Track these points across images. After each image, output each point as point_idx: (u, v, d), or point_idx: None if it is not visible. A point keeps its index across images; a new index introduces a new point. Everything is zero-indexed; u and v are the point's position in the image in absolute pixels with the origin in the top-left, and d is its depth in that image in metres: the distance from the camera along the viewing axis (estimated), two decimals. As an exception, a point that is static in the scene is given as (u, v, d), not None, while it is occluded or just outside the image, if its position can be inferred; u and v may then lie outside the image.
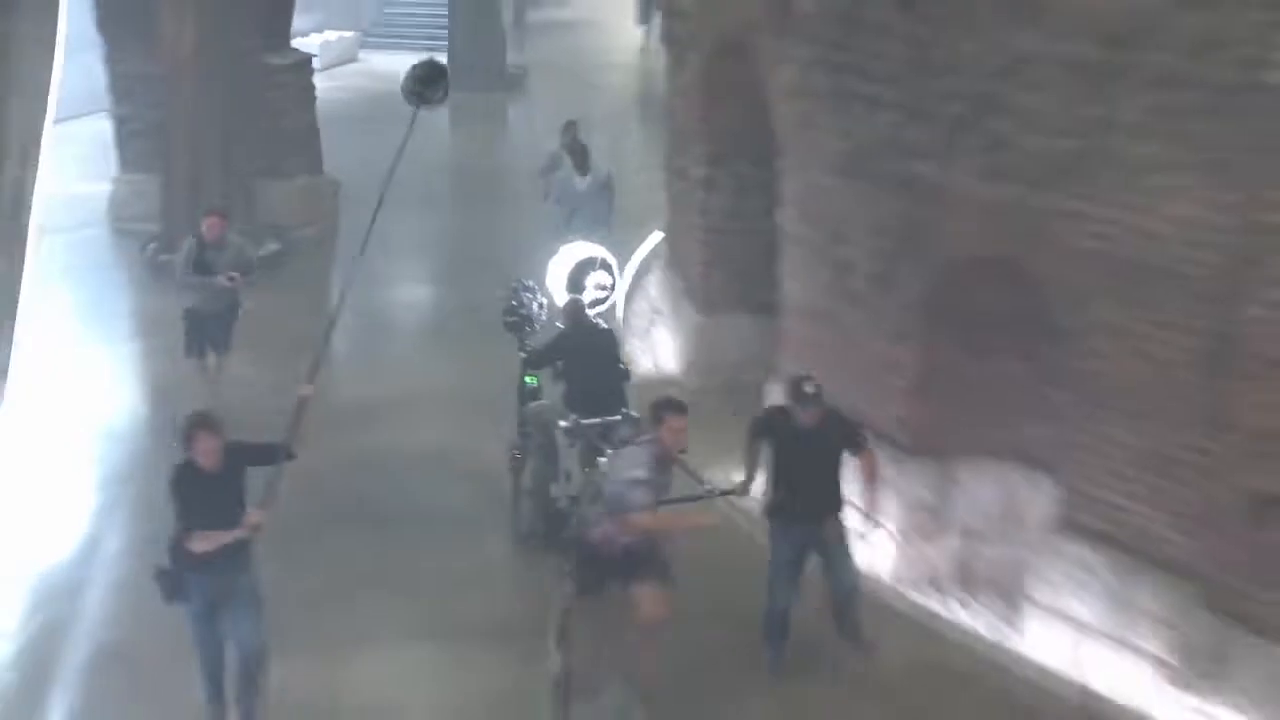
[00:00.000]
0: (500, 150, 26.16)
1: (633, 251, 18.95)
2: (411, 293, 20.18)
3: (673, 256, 17.38)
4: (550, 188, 18.60)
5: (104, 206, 21.56)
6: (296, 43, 21.94)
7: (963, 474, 12.39)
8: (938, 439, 12.26)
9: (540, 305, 13.09)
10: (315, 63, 22.35)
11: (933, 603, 12.29)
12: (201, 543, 8.78)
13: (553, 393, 12.73)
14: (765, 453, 10.57)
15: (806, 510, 10.19)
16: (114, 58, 20.80)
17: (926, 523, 12.59)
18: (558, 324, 12.89)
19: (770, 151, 14.36)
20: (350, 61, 31.58)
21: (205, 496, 8.86)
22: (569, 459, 12.19)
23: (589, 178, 17.62)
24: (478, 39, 30.55)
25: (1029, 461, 11.93)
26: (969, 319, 11.97)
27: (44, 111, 12.73)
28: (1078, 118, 10.75)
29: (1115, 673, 10.79)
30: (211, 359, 14.59)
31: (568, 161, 18.03)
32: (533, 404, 12.70)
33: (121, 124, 21.30)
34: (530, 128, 26.36)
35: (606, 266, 13.77)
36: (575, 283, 13.42)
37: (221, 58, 19.26)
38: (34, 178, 12.56)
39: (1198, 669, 10.27)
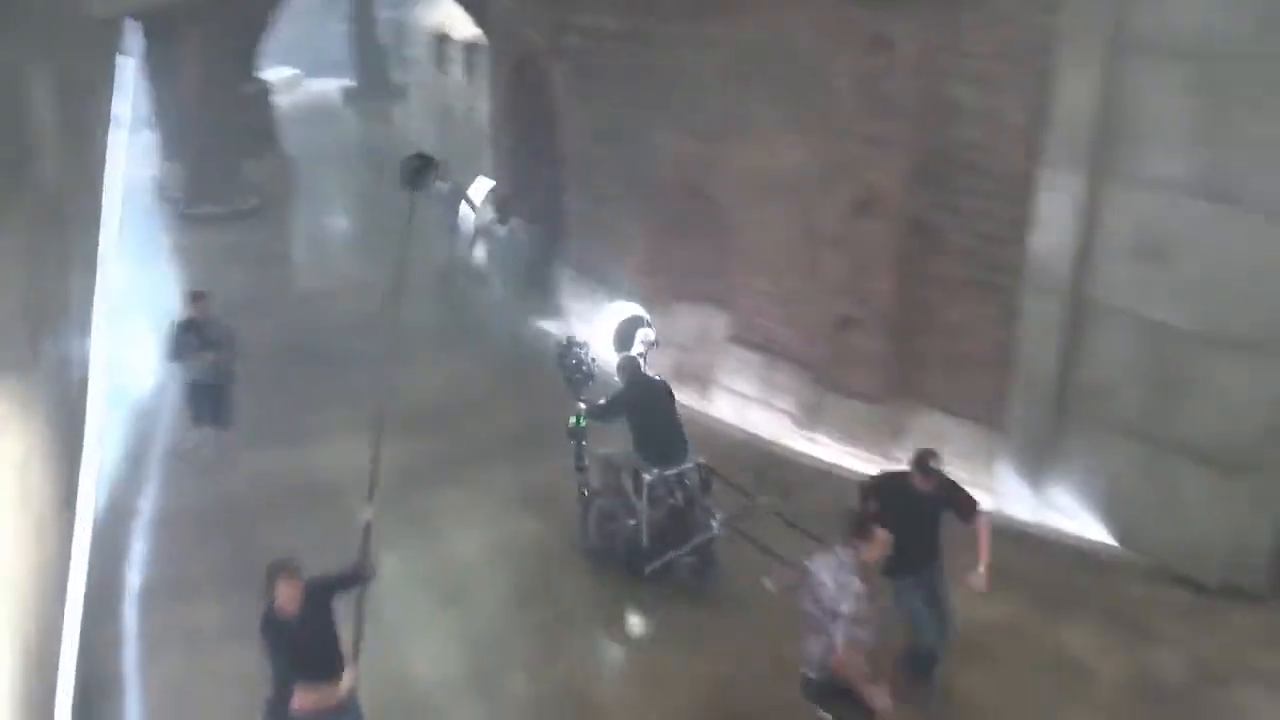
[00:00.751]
0: (390, 131, 25.12)
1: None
2: (335, 222, 19.59)
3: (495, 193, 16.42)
4: (444, 203, 15.33)
5: (152, 183, 20.40)
6: (261, 76, 20.72)
7: (676, 312, 12.35)
8: (660, 292, 12.26)
9: (593, 359, 9.20)
10: (273, 87, 21.28)
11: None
12: (301, 699, 5.95)
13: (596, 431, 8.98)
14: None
15: (920, 561, 7.15)
16: (154, 93, 19.53)
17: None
18: (615, 379, 9.00)
19: (551, 127, 14.00)
20: (296, 87, 29.95)
21: (295, 641, 5.93)
22: (637, 499, 8.47)
23: (506, 228, 14.14)
24: (373, 68, 29.38)
25: (714, 303, 12.03)
26: (676, 221, 12.05)
27: (116, 128, 12.23)
28: (731, 100, 10.86)
29: (765, 421, 11.15)
30: (212, 437, 10.37)
31: (491, 214, 14.60)
32: (604, 451, 8.80)
33: (161, 132, 20.25)
34: (407, 118, 25.32)
35: (649, 323, 9.79)
36: (625, 340, 9.48)
37: (217, 88, 18.60)
38: (112, 168, 12.05)
39: (808, 416, 10.71)
